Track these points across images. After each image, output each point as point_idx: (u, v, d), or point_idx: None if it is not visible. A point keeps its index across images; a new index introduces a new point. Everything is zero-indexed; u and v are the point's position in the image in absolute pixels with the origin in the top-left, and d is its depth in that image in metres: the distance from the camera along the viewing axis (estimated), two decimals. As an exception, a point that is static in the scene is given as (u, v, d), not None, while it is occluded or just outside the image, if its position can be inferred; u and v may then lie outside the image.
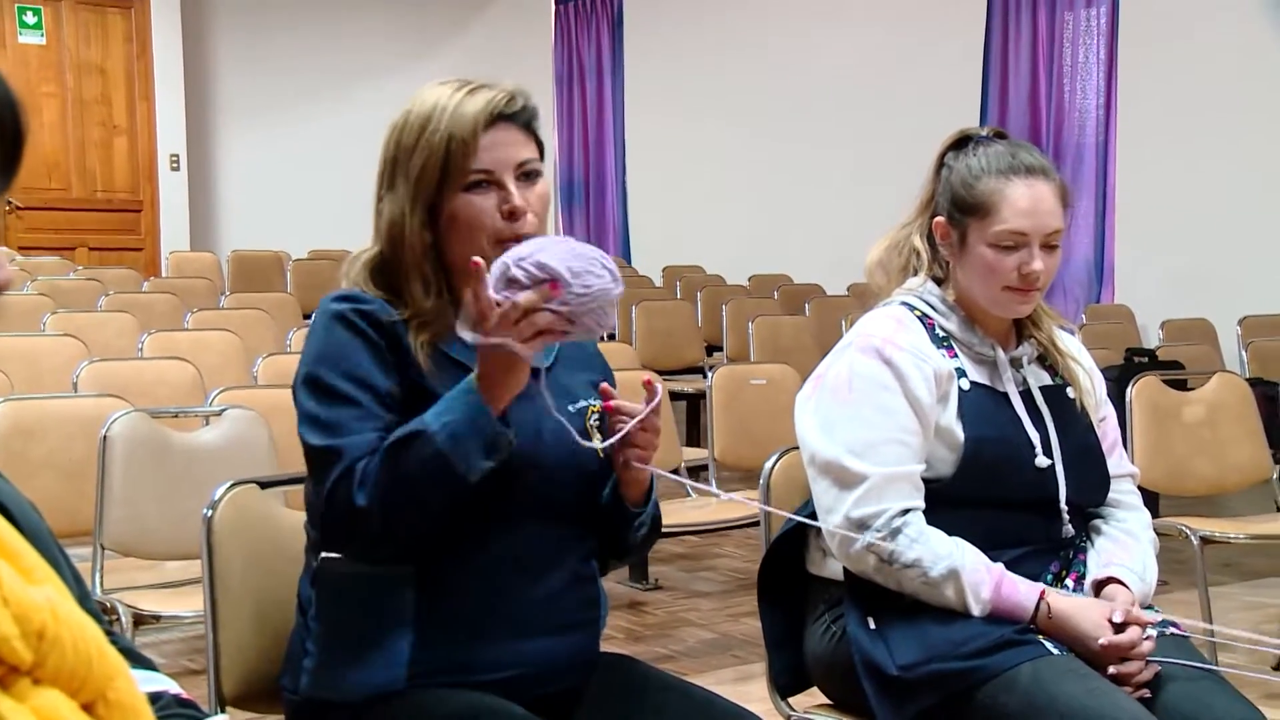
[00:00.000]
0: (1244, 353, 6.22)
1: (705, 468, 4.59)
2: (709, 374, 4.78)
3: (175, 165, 11.70)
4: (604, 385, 1.84)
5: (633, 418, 1.78)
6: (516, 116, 1.79)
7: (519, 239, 1.75)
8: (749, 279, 9.41)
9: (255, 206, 12.01)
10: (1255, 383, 4.82)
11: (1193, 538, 3.73)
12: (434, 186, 1.75)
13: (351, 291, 1.79)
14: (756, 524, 4.31)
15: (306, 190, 11.76)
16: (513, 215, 1.76)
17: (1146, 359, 5.91)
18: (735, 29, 10.60)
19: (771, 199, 10.28)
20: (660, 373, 4.72)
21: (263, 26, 12.21)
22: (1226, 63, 7.51)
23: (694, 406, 6.88)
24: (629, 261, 11.22)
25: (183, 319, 6.08)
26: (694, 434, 6.54)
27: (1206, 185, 7.59)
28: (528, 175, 1.79)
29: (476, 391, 1.66)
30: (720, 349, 7.70)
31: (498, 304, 1.61)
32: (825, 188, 9.78)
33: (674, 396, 5.91)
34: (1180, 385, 4.23)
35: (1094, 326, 7.07)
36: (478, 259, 1.62)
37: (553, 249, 1.63)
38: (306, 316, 6.91)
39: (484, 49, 12.44)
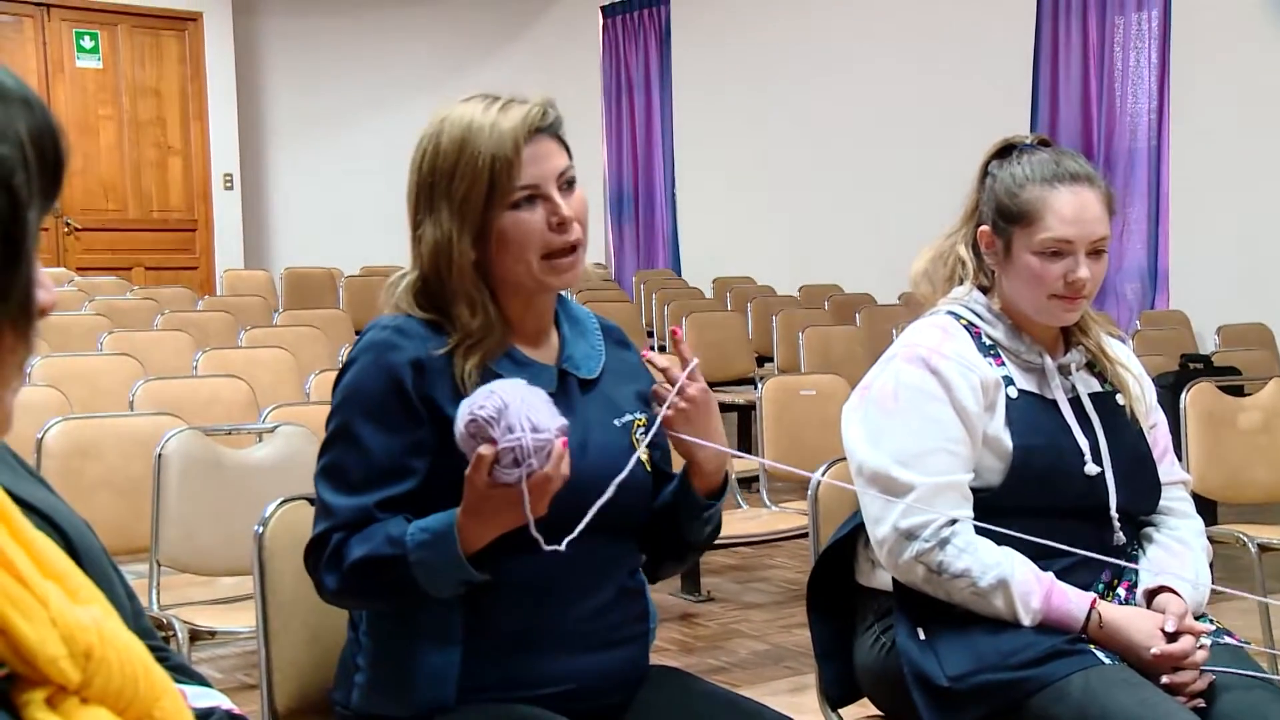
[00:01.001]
0: (1302, 357, 6.14)
1: (756, 479, 4.58)
2: (759, 385, 4.77)
3: (229, 184, 11.84)
4: (645, 353, 1.87)
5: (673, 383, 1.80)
6: (550, 127, 1.80)
7: (570, 249, 1.77)
8: (799, 289, 9.38)
9: (308, 224, 12.13)
10: (1313, 388, 4.74)
11: (1250, 545, 3.69)
12: (480, 208, 1.75)
13: (397, 321, 1.79)
14: (806, 535, 4.30)
15: (358, 207, 11.86)
16: (562, 226, 1.77)
17: (1202, 365, 5.84)
18: (782, 40, 10.59)
19: (821, 208, 10.25)
20: (710, 384, 4.70)
21: (313, 46, 12.33)
22: (1278, 65, 7.42)
23: (745, 418, 6.88)
24: (679, 273, 11.23)
25: (237, 337, 6.14)
26: (745, 445, 6.54)
27: (1261, 188, 7.51)
28: (569, 184, 1.80)
29: (455, 535, 1.65)
30: (770, 360, 7.68)
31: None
32: (875, 196, 9.75)
33: (724, 408, 5.90)
34: (1237, 391, 4.18)
35: (1149, 333, 7.00)
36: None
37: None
38: (359, 333, 6.94)
39: (532, 63, 12.51)
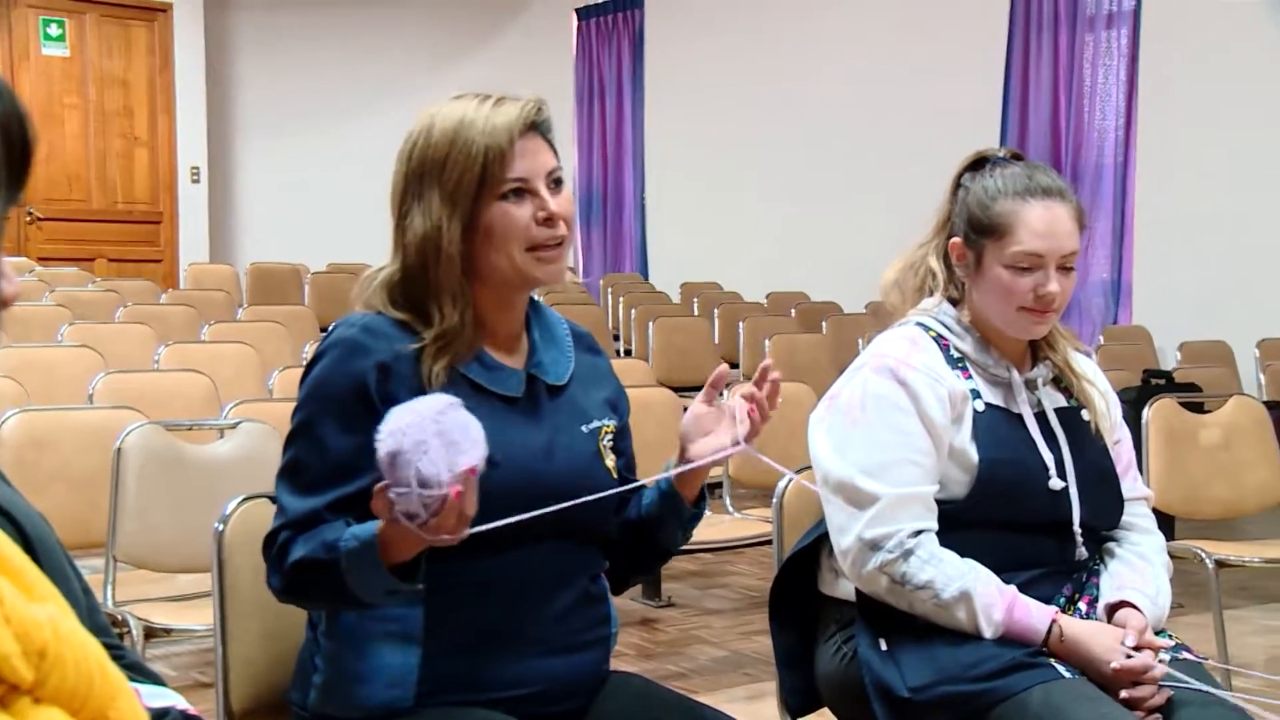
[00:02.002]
0: (1262, 375, 6.19)
1: (720, 485, 4.58)
2: (725, 392, 4.76)
3: (195, 178, 11.76)
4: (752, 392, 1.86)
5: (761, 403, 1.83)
6: (541, 125, 1.81)
7: (555, 243, 1.77)
8: (766, 296, 9.40)
9: (274, 219, 12.06)
10: (1273, 406, 4.79)
11: (1208, 561, 3.71)
12: (471, 197, 1.75)
13: (366, 319, 1.78)
14: (769, 542, 4.29)
15: (325, 203, 11.81)
16: (549, 221, 1.77)
17: (1164, 381, 5.88)
18: (756, 48, 10.61)
19: (790, 217, 10.28)
20: (675, 389, 4.70)
21: (284, 41, 12.27)
22: (1246, 85, 7.49)
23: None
24: (646, 278, 11.23)
25: (199, 331, 6.09)
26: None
27: (1225, 207, 7.57)
28: (556, 182, 1.80)
29: (376, 544, 1.60)
30: (736, 366, 7.69)
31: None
32: (844, 206, 9.78)
33: (689, 413, 5.89)
34: (1197, 408, 4.21)
35: (1111, 347, 7.04)
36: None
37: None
38: (324, 330, 6.90)
39: (505, 64, 12.48)
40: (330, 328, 1.82)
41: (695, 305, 9.03)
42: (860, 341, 6.43)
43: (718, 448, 1.83)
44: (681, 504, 1.87)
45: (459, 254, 1.75)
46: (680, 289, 9.81)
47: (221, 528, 1.93)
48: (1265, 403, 4.61)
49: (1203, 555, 3.72)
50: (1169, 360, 7.21)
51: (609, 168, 12.15)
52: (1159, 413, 4.00)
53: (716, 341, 7.91)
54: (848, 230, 9.62)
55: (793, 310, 8.63)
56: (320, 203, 11.87)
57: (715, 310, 8.48)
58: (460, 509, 1.52)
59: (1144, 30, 8.06)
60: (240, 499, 1.96)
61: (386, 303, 1.79)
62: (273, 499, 2.03)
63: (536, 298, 1.92)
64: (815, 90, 10.09)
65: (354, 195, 11.69)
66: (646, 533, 1.91)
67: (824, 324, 7.84)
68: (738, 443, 1.80)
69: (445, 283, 1.76)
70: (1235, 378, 6.69)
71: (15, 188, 0.82)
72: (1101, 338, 7.49)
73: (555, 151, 1.83)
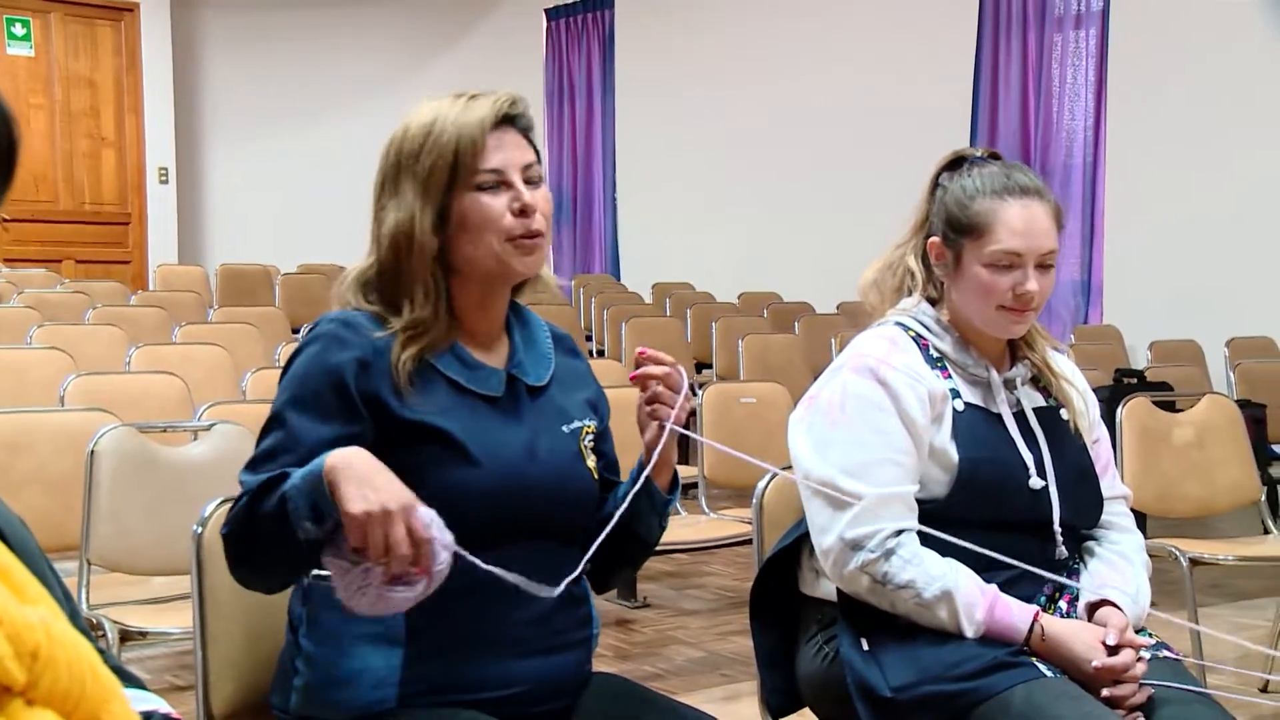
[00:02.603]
0: (1231, 374, 6.23)
1: (695, 485, 4.58)
2: (699, 392, 4.77)
3: (164, 178, 11.69)
4: (640, 350, 1.81)
5: (660, 379, 1.78)
6: (518, 121, 1.81)
7: (531, 235, 1.76)
8: (738, 296, 9.42)
9: (243, 220, 12.01)
10: (1243, 405, 4.82)
11: (1182, 559, 3.73)
12: (443, 187, 1.75)
13: (344, 315, 1.78)
14: (746, 542, 4.28)
15: (295, 204, 11.77)
16: (524, 212, 1.76)
17: (1135, 380, 5.91)
18: (726, 48, 10.63)
19: (760, 217, 10.29)
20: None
21: (253, 41, 12.21)
22: (1215, 85, 7.55)
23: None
24: (618, 278, 11.22)
25: (170, 333, 6.06)
26: (684, 452, 6.52)
27: (1194, 206, 7.62)
28: (530, 180, 1.79)
29: (322, 467, 1.57)
30: (709, 366, 7.70)
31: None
32: (814, 206, 9.81)
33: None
34: (1169, 407, 4.23)
35: (1082, 347, 7.08)
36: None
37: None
38: (295, 331, 6.89)
39: (475, 65, 12.46)
40: (311, 325, 1.81)
41: (668, 305, 9.04)
42: (834, 342, 6.44)
43: (651, 439, 1.81)
44: (655, 491, 1.87)
45: (431, 245, 1.75)
46: (652, 289, 9.82)
47: (200, 530, 1.91)
48: (1235, 401, 4.64)
49: (1177, 554, 3.74)
50: (1140, 359, 7.25)
51: (579, 168, 12.14)
52: (1133, 412, 4.02)
53: (689, 341, 7.91)
54: (819, 230, 9.65)
55: (765, 310, 8.65)
56: (289, 203, 11.83)
57: (688, 311, 8.49)
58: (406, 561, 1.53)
59: (1112, 30, 8.11)
60: (219, 501, 1.94)
61: (360, 296, 1.80)
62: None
63: (518, 300, 1.92)
64: (785, 91, 10.11)
65: (323, 196, 11.70)
66: (624, 526, 1.90)
67: (796, 324, 7.86)
68: (662, 426, 1.78)
69: (417, 273, 1.76)
70: (1205, 376, 6.74)
71: (2, 185, 0.82)
72: (1073, 337, 7.53)
73: (536, 150, 1.83)
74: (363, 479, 1.53)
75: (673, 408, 1.79)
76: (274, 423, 1.74)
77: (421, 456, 1.72)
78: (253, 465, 1.71)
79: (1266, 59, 7.35)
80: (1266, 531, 4.28)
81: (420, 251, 1.75)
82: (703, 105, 10.80)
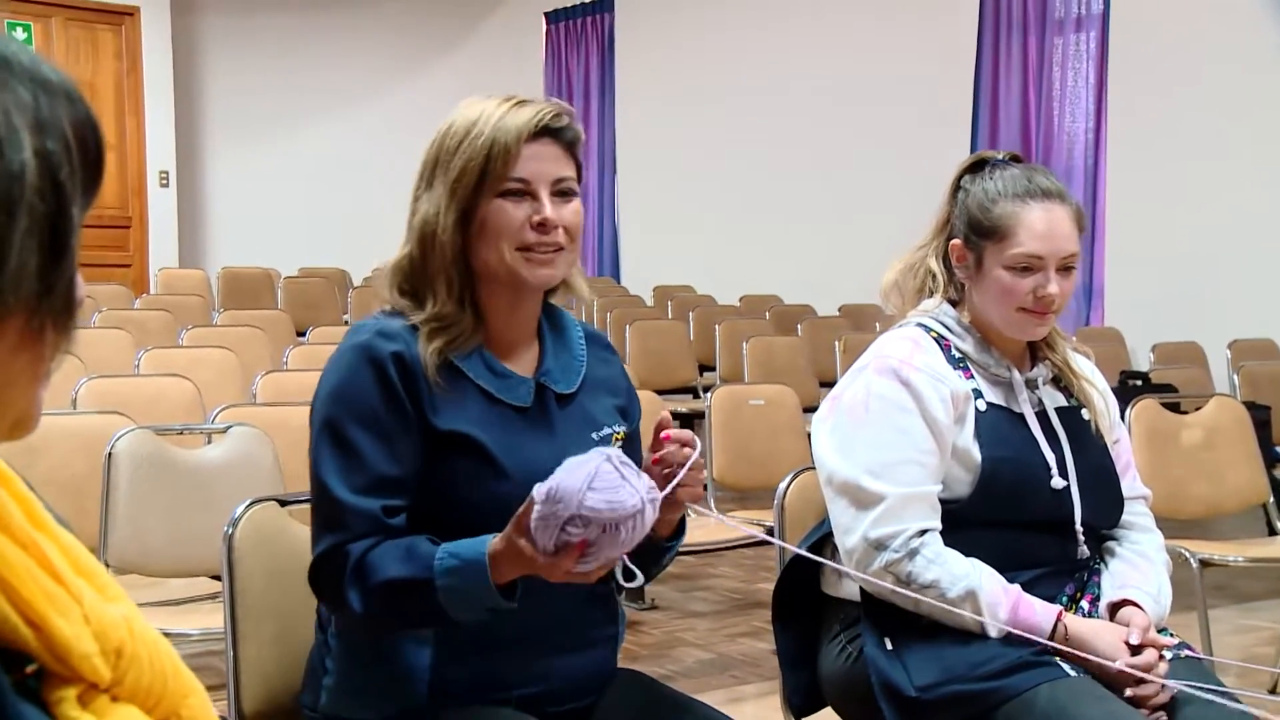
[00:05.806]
0: (1234, 376, 6.25)
1: (704, 488, 4.58)
2: (703, 394, 4.79)
3: (164, 182, 11.69)
4: (664, 423, 1.72)
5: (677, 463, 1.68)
6: (561, 134, 1.80)
7: (544, 248, 1.76)
8: (740, 299, 9.43)
9: (244, 223, 12.00)
10: (1247, 407, 4.83)
11: (1192, 560, 3.75)
12: (470, 189, 1.75)
13: (378, 324, 1.78)
14: (754, 544, 4.30)
15: (295, 207, 11.77)
16: (542, 227, 1.76)
17: (1140, 382, 5.93)
18: (725, 52, 10.64)
19: (761, 220, 10.30)
20: (654, 393, 4.71)
21: (253, 45, 12.22)
22: (1215, 87, 7.57)
23: (687, 426, 6.87)
24: (618, 281, 11.23)
25: (177, 336, 6.06)
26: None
27: (1195, 208, 7.64)
28: (563, 193, 1.79)
29: (487, 567, 1.60)
30: (712, 369, 7.70)
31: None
32: (816, 209, 9.82)
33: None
34: (1174, 408, 4.25)
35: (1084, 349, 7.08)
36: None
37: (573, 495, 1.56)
38: (300, 334, 6.89)
39: (475, 68, 12.46)
40: (349, 330, 1.82)
41: (670, 308, 9.04)
42: (837, 344, 6.45)
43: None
44: (651, 541, 1.76)
45: (452, 244, 1.76)
46: (653, 292, 9.82)
47: (231, 531, 1.92)
48: (1242, 403, 4.66)
49: (1187, 555, 3.76)
50: (1142, 361, 7.27)
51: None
52: (1142, 413, 4.03)
53: (692, 343, 7.92)
54: (820, 233, 9.66)
55: (767, 313, 8.66)
56: (289, 206, 11.83)
57: (690, 314, 8.49)
58: (576, 556, 1.55)
59: (1113, 33, 8.13)
60: (249, 502, 1.96)
61: (393, 286, 1.81)
62: (282, 502, 2.03)
63: (553, 302, 1.92)
64: (785, 95, 10.12)
65: (323, 198, 11.71)
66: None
67: (799, 327, 7.86)
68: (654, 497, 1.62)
69: (439, 269, 1.77)
70: (1208, 378, 6.75)
71: (90, 194, 0.83)
72: (1074, 339, 7.51)
73: (577, 164, 1.82)
74: (525, 566, 1.58)
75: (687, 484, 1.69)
76: (331, 444, 1.71)
77: (454, 469, 1.73)
78: (327, 490, 1.70)
79: (1267, 61, 7.37)
80: (1272, 533, 4.30)
81: (441, 249, 1.76)
82: (702, 108, 10.81)
